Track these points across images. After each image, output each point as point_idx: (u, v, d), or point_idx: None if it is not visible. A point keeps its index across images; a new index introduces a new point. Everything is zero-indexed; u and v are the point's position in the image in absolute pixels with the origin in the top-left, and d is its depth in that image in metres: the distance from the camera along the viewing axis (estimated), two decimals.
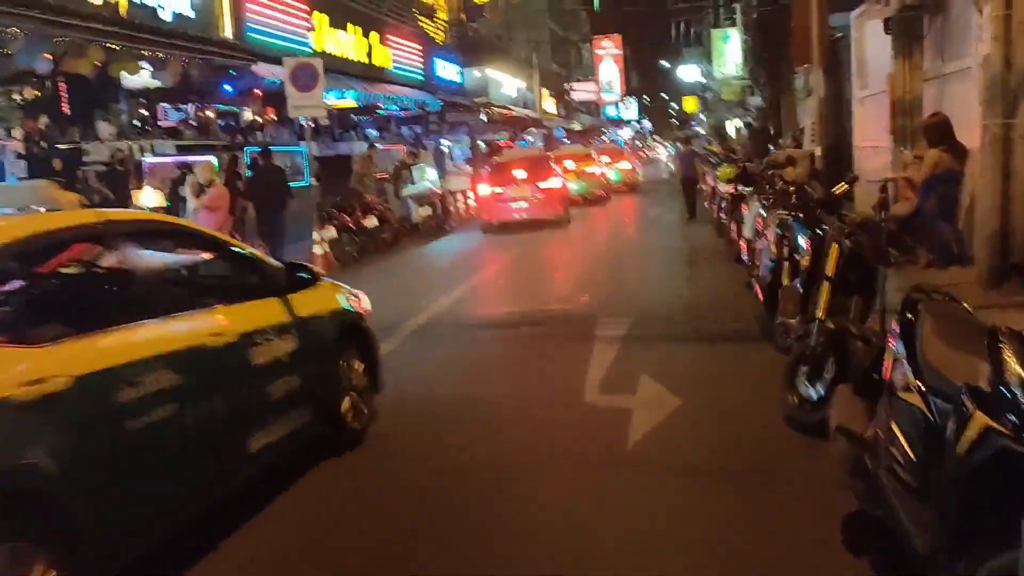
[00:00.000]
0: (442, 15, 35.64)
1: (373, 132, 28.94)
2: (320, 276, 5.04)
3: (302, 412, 4.62)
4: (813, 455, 4.39)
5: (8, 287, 3.61)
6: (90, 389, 3.14)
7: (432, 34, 32.88)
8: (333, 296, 5.19)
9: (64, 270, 4.17)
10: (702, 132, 46.66)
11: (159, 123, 17.37)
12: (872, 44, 12.23)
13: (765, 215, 9.16)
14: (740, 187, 11.68)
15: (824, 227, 5.36)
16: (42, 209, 3.88)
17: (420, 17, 31.63)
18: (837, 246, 4.92)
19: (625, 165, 29.99)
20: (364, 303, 5.52)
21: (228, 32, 17.06)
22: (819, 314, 4.86)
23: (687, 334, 7.43)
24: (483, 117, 40.18)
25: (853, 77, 13.66)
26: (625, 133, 75.21)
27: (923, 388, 2.90)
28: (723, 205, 13.42)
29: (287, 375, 4.49)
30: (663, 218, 18.79)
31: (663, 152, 57.71)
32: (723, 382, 5.96)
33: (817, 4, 11.95)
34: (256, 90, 20.07)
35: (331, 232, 14.57)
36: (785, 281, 6.48)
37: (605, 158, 29.14)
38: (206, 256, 4.81)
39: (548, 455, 4.86)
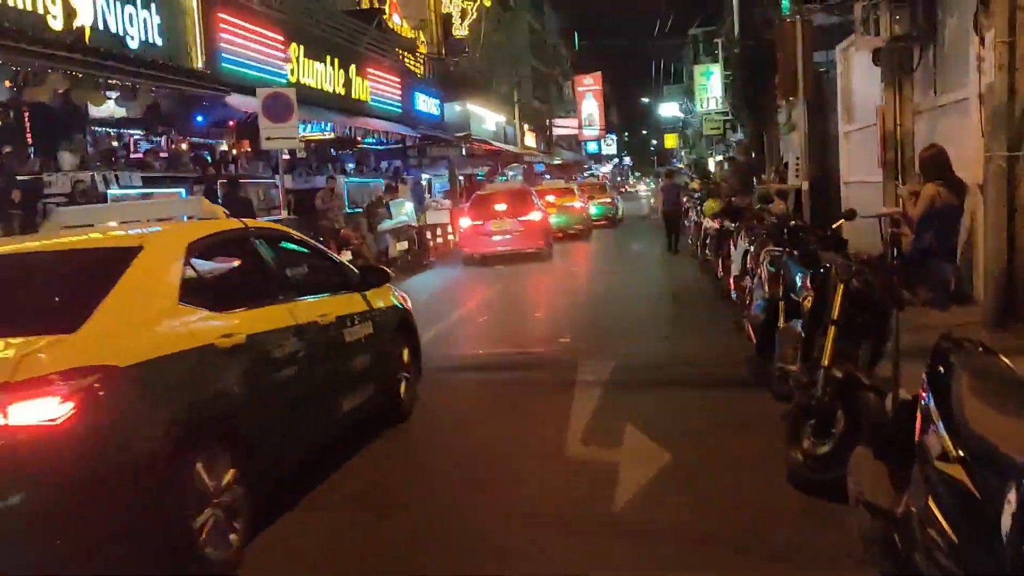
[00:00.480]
0: (423, 50, 35.51)
1: (351, 166, 28.61)
2: (389, 277, 6.21)
3: (372, 385, 5.70)
4: (824, 521, 3.90)
5: (201, 272, 4.51)
6: (257, 345, 4.30)
7: (412, 68, 32.68)
8: (390, 294, 6.36)
9: (227, 263, 5.09)
10: (683, 167, 46.70)
11: (128, 154, 16.82)
12: (859, 77, 11.98)
13: (754, 251, 8.79)
14: (726, 222, 11.32)
15: (826, 265, 4.91)
16: (197, 218, 5.08)
17: (401, 52, 31.43)
18: (843, 286, 4.48)
19: (606, 199, 29.74)
20: (408, 303, 6.67)
21: (199, 62, 16.60)
22: (824, 361, 4.40)
23: (675, 379, 6.95)
24: (463, 151, 40.07)
25: (839, 111, 13.39)
26: (606, 169, 75.52)
27: (966, 458, 2.43)
28: (708, 241, 13.05)
29: (365, 353, 5.63)
30: (645, 253, 18.43)
31: (643, 188, 57.77)
32: (716, 433, 5.47)
33: (802, 37, 11.67)
34: (230, 122, 19.62)
35: None
36: (781, 322, 6.04)
37: (586, 193, 28.92)
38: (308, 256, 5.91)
39: (526, 518, 4.34)
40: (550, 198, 23.39)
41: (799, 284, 5.63)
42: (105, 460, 3.30)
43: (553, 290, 13.99)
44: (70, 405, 3.21)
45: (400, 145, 32.07)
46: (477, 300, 12.80)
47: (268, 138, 15.44)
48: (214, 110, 18.51)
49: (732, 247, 10.20)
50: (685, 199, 20.93)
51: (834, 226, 6.50)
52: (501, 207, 18.89)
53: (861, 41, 9.28)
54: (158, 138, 17.93)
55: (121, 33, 14.29)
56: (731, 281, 9.60)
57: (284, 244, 5.52)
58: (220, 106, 17.93)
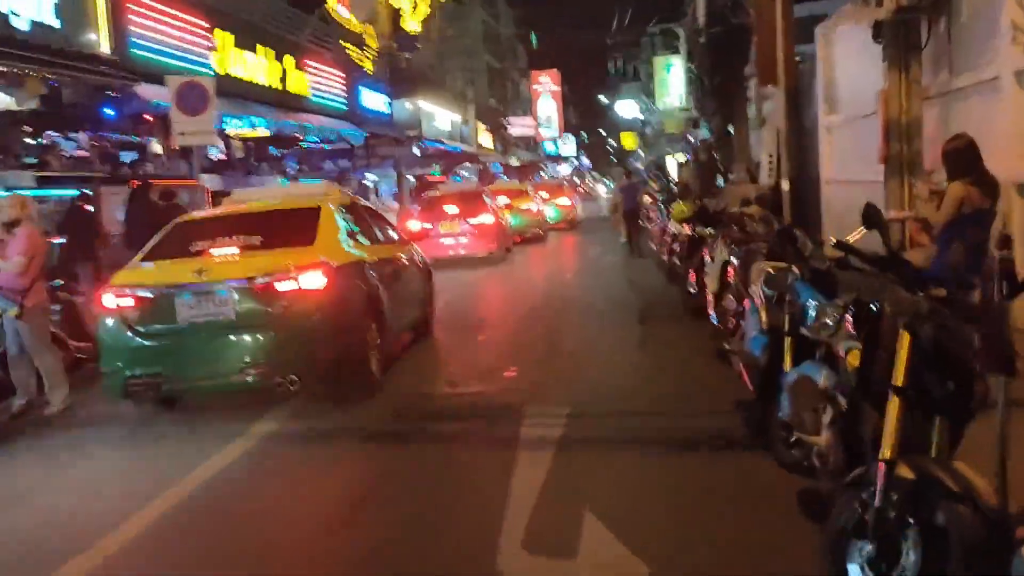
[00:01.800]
0: (372, 43, 33.72)
1: (294, 165, 26.78)
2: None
3: (418, 309, 8.75)
4: None
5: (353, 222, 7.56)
6: (377, 265, 7.35)
7: (359, 62, 30.89)
8: (415, 252, 9.25)
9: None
10: (641, 167, 45.44)
11: (18, 153, 14.87)
12: (844, 61, 10.57)
13: (739, 264, 7.29)
14: (699, 228, 9.84)
15: (874, 300, 3.37)
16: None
17: (346, 45, 29.63)
18: (910, 335, 2.95)
19: (564, 201, 28.29)
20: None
21: (105, 47, 14.74)
22: (886, 452, 2.87)
23: (647, 435, 5.37)
24: (416, 151, 38.33)
25: (819, 102, 12.00)
26: (564, 169, 74.18)
27: None
28: (676, 248, 11.56)
29: (416, 285, 8.77)
30: (605, 259, 16.91)
31: (602, 189, 56.42)
32: (709, 528, 3.93)
33: (783, 15, 10.23)
34: (147, 115, 17.69)
35: None
36: (786, 363, 4.53)
37: (544, 194, 27.44)
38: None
39: None
40: (504, 200, 21.90)
41: (814, 316, 4.11)
42: (343, 306, 6.36)
43: (503, 305, 12.38)
44: (325, 279, 6.23)
45: (347, 145, 30.37)
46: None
47: (181, 133, 13.68)
48: (128, 103, 16.65)
49: (707, 257, 8.72)
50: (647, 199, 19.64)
51: (852, 236, 4.99)
52: (452, 209, 17.37)
53: (859, 13, 7.84)
54: (58, 134, 15.93)
55: (5, 11, 12.44)
56: (709, 298, 8.12)
57: (370, 212, 8.73)
58: (133, 99, 16.10)
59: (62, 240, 11.51)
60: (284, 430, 6.05)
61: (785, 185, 11.01)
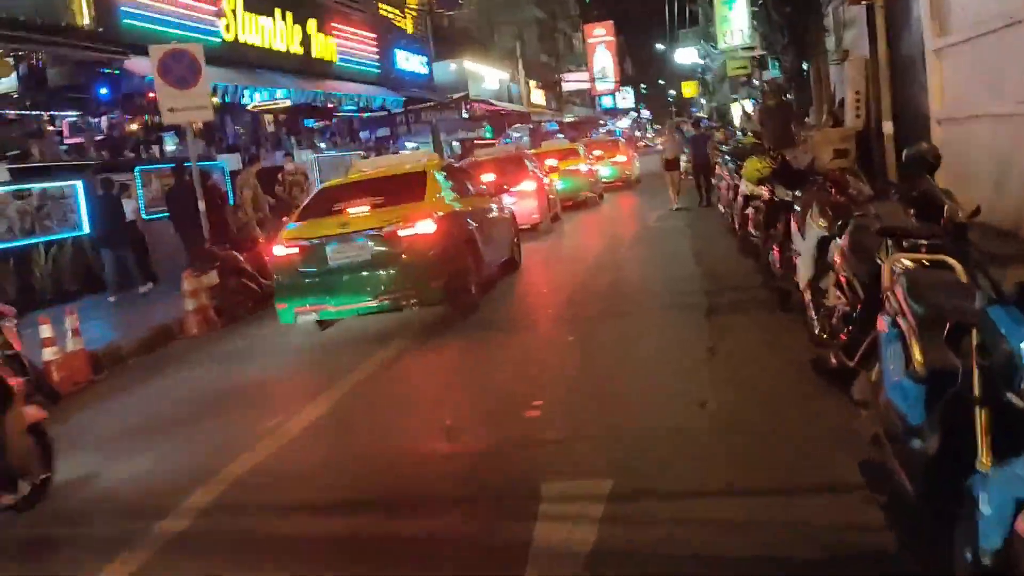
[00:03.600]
0: (411, 1, 31.73)
1: (319, 141, 25.10)
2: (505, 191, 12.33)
3: (507, 247, 11.02)
4: None
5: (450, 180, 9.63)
6: (471, 213, 9.48)
7: (396, 22, 28.93)
8: (501, 202, 11.56)
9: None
10: (703, 116, 42.65)
11: None
12: None
13: (845, 246, 5.19)
14: (779, 189, 7.72)
15: None
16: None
17: (381, 5, 27.68)
18: None
19: (620, 159, 26.02)
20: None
21: (86, 17, 13.09)
22: None
23: (738, 543, 3.37)
24: (464, 114, 36.35)
25: (924, 21, 9.62)
26: (623, 123, 71.39)
27: None
28: (749, 212, 9.41)
29: (502, 228, 10.98)
30: (666, 224, 14.74)
31: (662, 141, 53.67)
32: None
33: None
34: (151, 93, 16.02)
35: (211, 278, 10.60)
36: (983, 456, 2.48)
37: (597, 152, 25.25)
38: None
39: None
40: (551, 162, 19.83)
41: None
42: (448, 245, 8.36)
43: (534, 298, 10.36)
44: (435, 225, 8.26)
45: (385, 112, 28.56)
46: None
47: (170, 109, 11.91)
48: (128, 80, 15.04)
49: (794, 229, 6.60)
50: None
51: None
52: (489, 177, 15.37)
53: None
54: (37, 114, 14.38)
55: None
56: (802, 286, 6.04)
57: (462, 171, 11.29)
58: (126, 75, 14.49)
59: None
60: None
61: (888, 127, 8.76)
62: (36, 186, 12.48)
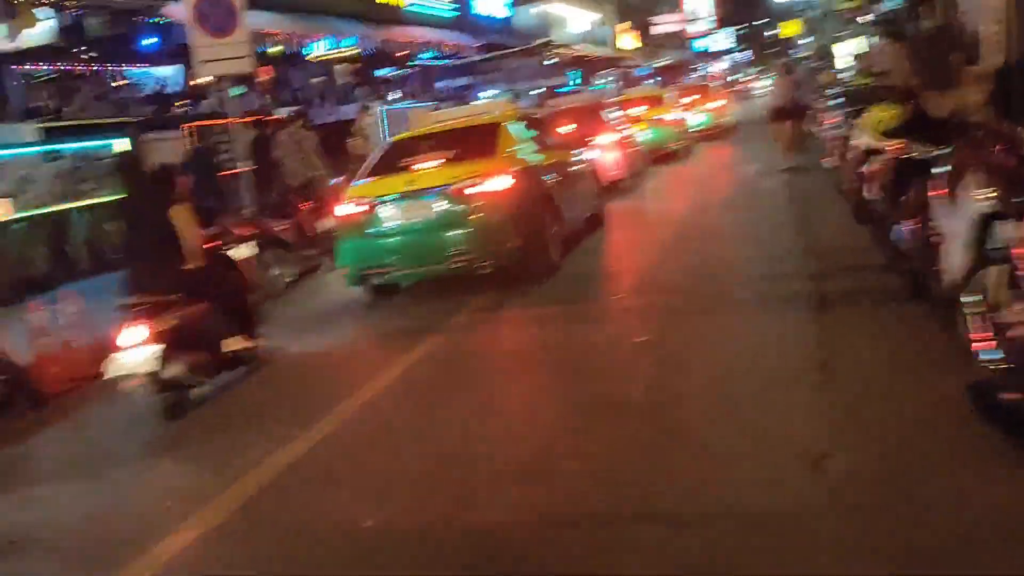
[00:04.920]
0: None
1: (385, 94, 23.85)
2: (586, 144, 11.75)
3: (589, 204, 10.22)
4: None
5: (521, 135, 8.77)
6: (550, 168, 8.75)
7: None
8: (583, 155, 10.76)
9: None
10: (807, 55, 39.62)
11: (22, 100, 12.54)
12: None
13: None
14: (915, 146, 6.02)
15: None
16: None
17: None
18: None
19: (715, 105, 23.90)
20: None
21: None
22: None
23: None
24: (547, 61, 34.56)
25: None
26: (718, 67, 67.98)
27: None
28: (868, 170, 7.65)
29: (586, 183, 10.20)
30: (765, 182, 12.91)
31: (762, 85, 50.39)
32: None
33: None
34: None
35: (249, 249, 9.48)
36: None
37: (689, 98, 23.23)
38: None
39: None
40: (636, 111, 18.07)
41: None
42: (523, 203, 7.70)
43: (608, 277, 8.85)
44: (510, 181, 7.69)
45: (462, 60, 27.10)
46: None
47: (204, 60, 10.76)
48: (172, 29, 14.04)
49: (940, 202, 4.95)
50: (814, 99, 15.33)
51: None
52: (564, 130, 13.81)
53: None
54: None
55: None
56: (951, 281, 4.43)
57: (541, 122, 10.26)
58: (166, 24, 13.46)
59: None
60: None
61: None
62: (70, 147, 11.61)
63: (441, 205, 7.63)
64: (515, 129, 8.72)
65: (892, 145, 6.63)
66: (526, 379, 5.45)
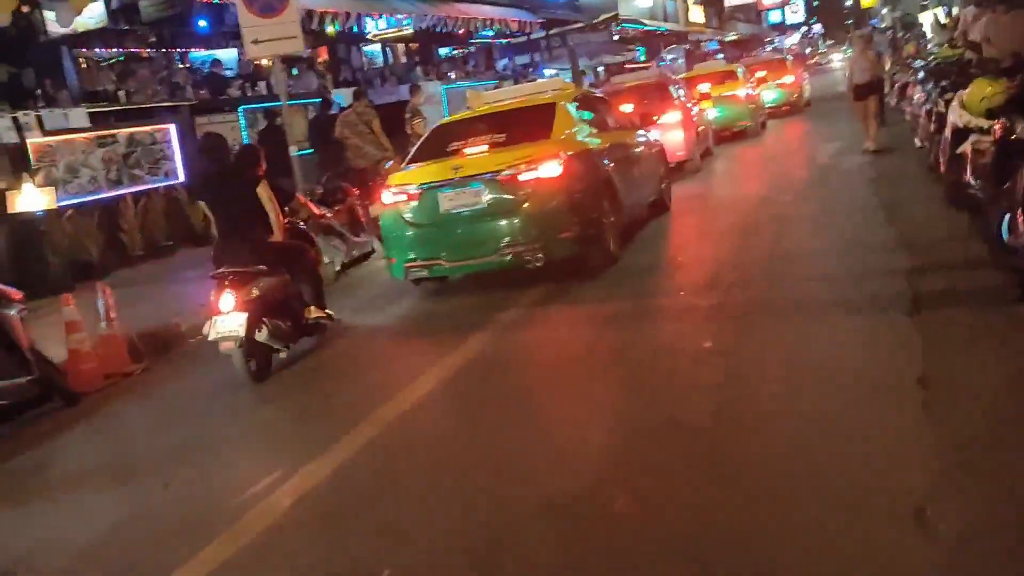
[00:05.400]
0: None
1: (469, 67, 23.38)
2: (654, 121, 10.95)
3: (653, 188, 9.59)
4: None
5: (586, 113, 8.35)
6: (609, 151, 8.12)
7: None
8: (650, 131, 10.33)
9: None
10: (886, 25, 37.79)
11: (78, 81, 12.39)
12: None
13: None
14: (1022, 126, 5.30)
15: None
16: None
17: None
18: None
19: (787, 80, 22.82)
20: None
21: None
22: None
23: None
24: (614, 36, 33.62)
25: None
26: (791, 40, 65.75)
27: None
28: (966, 153, 6.87)
29: (649, 166, 9.56)
30: (844, 161, 12.04)
31: (838, 59, 48.42)
32: None
33: None
34: None
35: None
36: None
37: (761, 73, 22.23)
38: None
39: None
40: (704, 87, 17.25)
41: None
42: (578, 190, 7.12)
43: (672, 268, 8.22)
44: (564, 166, 7.06)
45: (525, 37, 26.41)
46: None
47: (254, 41, 10.42)
48: (224, 11, 13.78)
49: None
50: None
51: None
52: (626, 108, 13.12)
53: None
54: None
55: None
56: None
57: (602, 102, 9.59)
58: (220, 5, 13.18)
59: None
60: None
61: None
62: (122, 131, 11.42)
63: (490, 193, 7.09)
64: (572, 109, 8.12)
65: (995, 125, 5.89)
66: (574, 393, 4.87)
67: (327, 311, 6.80)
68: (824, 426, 3.77)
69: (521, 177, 7.05)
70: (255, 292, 6.00)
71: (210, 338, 5.87)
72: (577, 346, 5.68)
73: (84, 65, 13.43)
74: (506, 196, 7.07)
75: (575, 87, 9.91)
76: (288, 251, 6.51)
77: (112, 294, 7.05)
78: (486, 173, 7.13)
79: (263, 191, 6.34)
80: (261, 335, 6.04)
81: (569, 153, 7.28)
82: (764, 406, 4.13)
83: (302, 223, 7.20)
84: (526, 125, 7.76)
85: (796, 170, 12.34)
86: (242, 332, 5.77)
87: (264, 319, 6.06)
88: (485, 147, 7.55)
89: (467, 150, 7.60)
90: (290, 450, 4.75)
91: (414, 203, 7.36)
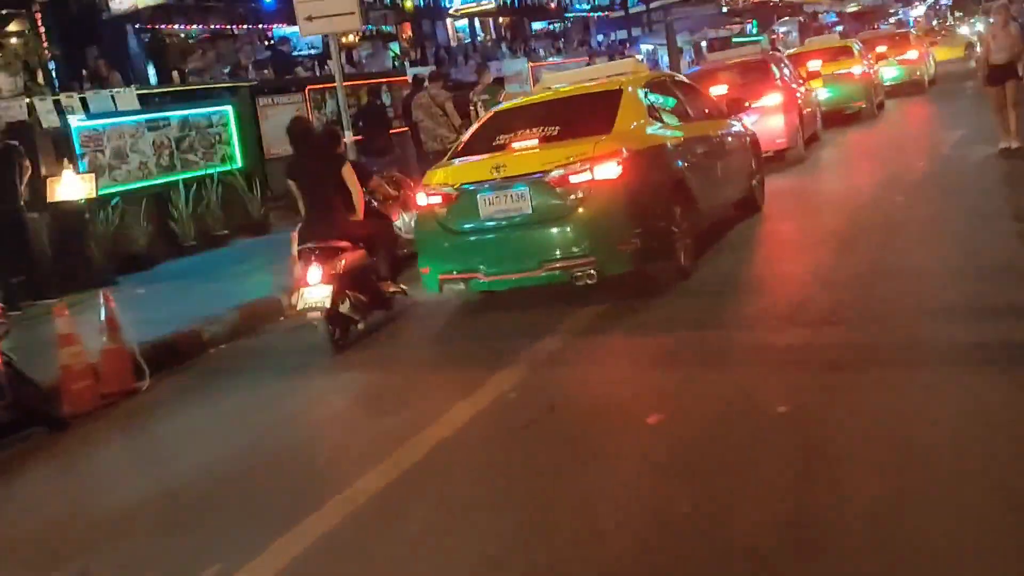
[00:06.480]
0: None
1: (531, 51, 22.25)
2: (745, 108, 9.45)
3: (741, 186, 8.39)
4: None
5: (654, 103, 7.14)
6: (686, 144, 7.05)
7: None
8: (742, 121, 9.05)
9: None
10: None
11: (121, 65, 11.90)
12: None
13: None
14: None
15: None
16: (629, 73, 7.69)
17: None
18: None
19: (910, 56, 20.77)
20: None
21: None
22: None
23: None
24: (723, 8, 31.82)
25: None
26: (917, 11, 61.65)
27: None
28: None
29: (738, 159, 8.36)
30: (972, 153, 10.41)
31: (967, 32, 44.78)
32: None
33: None
34: None
35: None
36: None
37: (881, 48, 20.33)
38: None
39: None
40: (815, 64, 15.69)
41: None
42: (642, 195, 6.07)
43: (752, 291, 6.93)
44: (624, 167, 5.99)
45: (621, 11, 25.07)
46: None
47: (308, 18, 9.65)
48: None
49: None
50: None
51: None
52: (721, 90, 11.76)
53: None
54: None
55: None
56: None
57: (683, 87, 8.30)
58: None
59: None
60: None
61: None
62: (175, 114, 10.86)
63: (536, 197, 6.08)
64: (642, 96, 7.01)
65: None
66: (599, 467, 3.77)
67: (402, 286, 7.01)
68: (935, 548, 2.64)
69: (572, 179, 6.00)
70: (340, 266, 6.22)
71: (298, 308, 6.21)
72: (619, 396, 4.61)
73: (152, 41, 12.97)
74: (554, 201, 6.05)
75: (649, 69, 8.85)
76: (368, 228, 6.74)
77: (112, 303, 6.35)
78: (532, 173, 6.11)
79: (347, 172, 6.64)
80: (344, 307, 6.31)
81: (632, 150, 6.19)
82: (848, 521, 2.99)
83: (375, 203, 7.27)
84: (586, 116, 6.71)
85: (913, 163, 10.75)
86: (328, 304, 6.03)
87: (347, 292, 6.30)
88: (535, 141, 6.53)
89: (516, 144, 6.60)
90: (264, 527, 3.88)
91: (451, 206, 6.41)
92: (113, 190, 9.99)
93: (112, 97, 10.00)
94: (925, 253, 6.44)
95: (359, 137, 12.31)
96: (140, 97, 10.49)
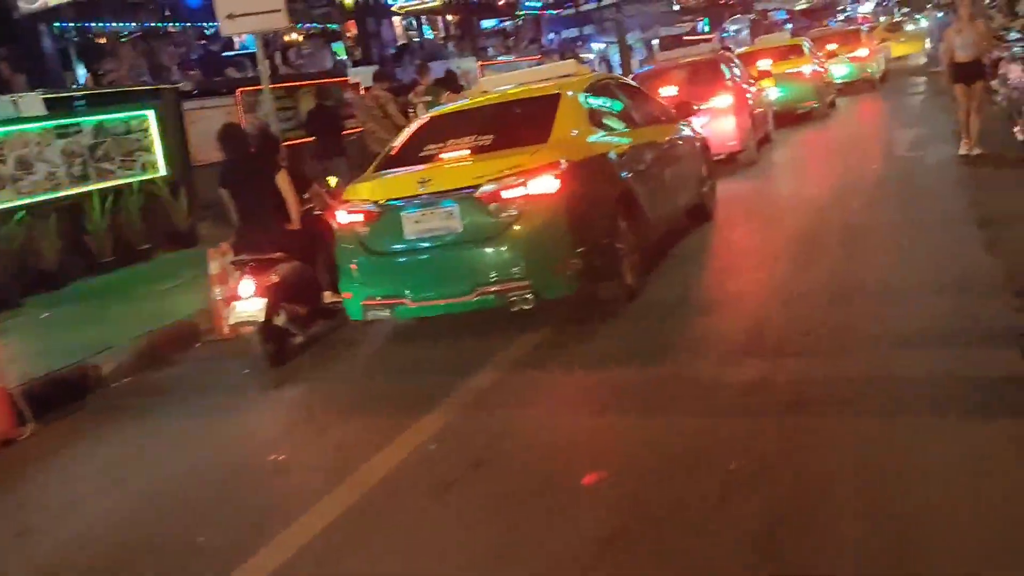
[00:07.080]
0: None
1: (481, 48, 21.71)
2: (693, 112, 8.73)
3: (691, 193, 7.92)
4: None
5: (595, 107, 6.56)
6: (632, 153, 6.49)
7: None
8: (690, 125, 8.45)
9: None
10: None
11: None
12: None
13: None
14: None
15: None
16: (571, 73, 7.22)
17: None
18: None
19: (861, 53, 20.60)
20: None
21: None
22: None
23: None
24: (674, 6, 31.54)
25: None
26: (866, 8, 62.20)
27: None
28: None
29: (688, 166, 7.91)
30: (929, 155, 10.08)
31: (913, 29, 45.08)
32: None
33: None
34: None
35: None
36: None
37: (831, 46, 20.14)
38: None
39: None
40: (765, 64, 15.32)
41: None
42: (582, 210, 5.50)
43: (692, 316, 6.49)
44: (557, 182, 5.41)
45: (572, 9, 24.58)
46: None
47: (229, 15, 8.95)
48: None
49: None
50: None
51: None
52: (670, 92, 11.27)
53: None
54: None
55: None
56: None
57: (629, 90, 7.83)
58: None
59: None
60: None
61: None
62: (87, 120, 10.08)
63: (465, 214, 5.51)
64: (583, 102, 6.45)
65: None
66: (536, 542, 3.27)
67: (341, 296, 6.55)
68: None
69: (505, 194, 5.42)
70: (274, 278, 6.08)
71: (230, 323, 6.05)
72: (553, 449, 4.04)
73: (72, 40, 12.15)
74: (486, 219, 5.47)
75: (591, 72, 8.24)
76: (306, 238, 6.42)
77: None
78: (462, 188, 5.53)
79: (281, 179, 6.33)
80: (279, 320, 6.13)
81: (572, 161, 5.62)
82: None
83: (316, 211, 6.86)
84: (521, 124, 6.20)
85: (869, 164, 10.37)
86: (261, 317, 5.84)
87: (282, 304, 6.13)
88: (467, 152, 5.96)
89: (445, 155, 6.04)
90: None
91: (374, 224, 5.78)
92: (17, 203, 9.19)
93: (14, 102, 9.20)
94: (888, 266, 5.98)
95: (311, 139, 11.73)
96: (50, 102, 9.69)
